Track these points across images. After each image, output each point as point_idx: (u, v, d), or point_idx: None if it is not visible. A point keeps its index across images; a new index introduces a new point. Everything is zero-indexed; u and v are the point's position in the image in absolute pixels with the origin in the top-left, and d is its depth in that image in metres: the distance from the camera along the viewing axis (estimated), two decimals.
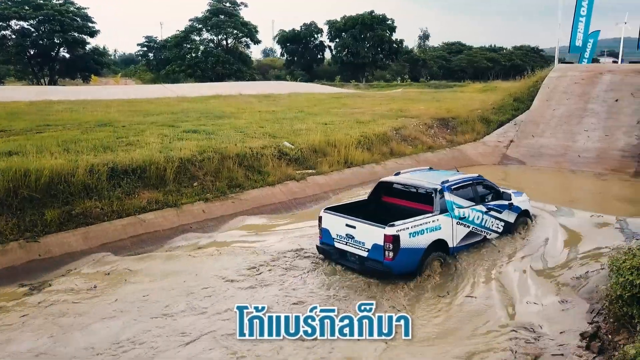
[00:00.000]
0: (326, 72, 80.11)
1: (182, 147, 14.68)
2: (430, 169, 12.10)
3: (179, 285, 8.99)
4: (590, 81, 25.33)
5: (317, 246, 9.77)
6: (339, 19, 77.76)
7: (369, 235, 8.65)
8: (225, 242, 11.24)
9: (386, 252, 8.40)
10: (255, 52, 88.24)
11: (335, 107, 28.47)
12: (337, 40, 77.97)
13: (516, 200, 11.08)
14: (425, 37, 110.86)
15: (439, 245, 9.16)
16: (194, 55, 63.40)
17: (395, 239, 8.33)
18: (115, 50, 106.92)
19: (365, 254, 8.74)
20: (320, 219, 9.54)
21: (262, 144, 16.24)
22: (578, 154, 20.76)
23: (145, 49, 73.01)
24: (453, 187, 9.75)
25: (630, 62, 27.85)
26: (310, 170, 16.04)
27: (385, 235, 8.37)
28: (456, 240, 9.52)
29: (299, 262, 9.81)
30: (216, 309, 8.10)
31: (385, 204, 10.53)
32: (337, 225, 9.15)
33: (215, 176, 14.11)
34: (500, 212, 10.58)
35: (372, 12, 75.66)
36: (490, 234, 10.47)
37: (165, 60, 64.87)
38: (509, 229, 10.85)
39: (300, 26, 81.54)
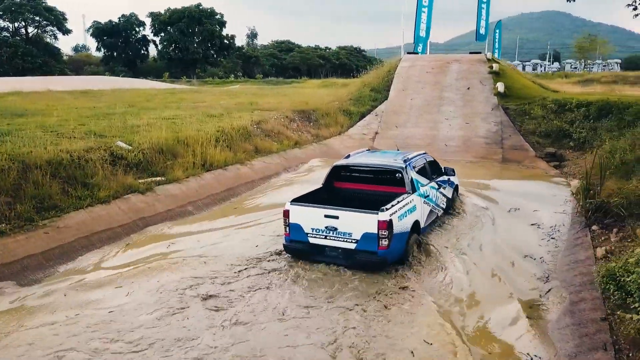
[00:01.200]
0: (152, 68, 73.24)
1: None
2: (369, 150, 11.19)
3: None
4: (441, 70, 25.24)
5: (284, 245, 8.27)
6: (163, 12, 71.58)
7: (357, 224, 7.56)
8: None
9: (381, 241, 7.40)
10: (64, 48, 76.75)
11: (173, 102, 24.27)
12: (163, 34, 71.79)
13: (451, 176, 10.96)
14: (253, 35, 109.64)
15: (415, 226, 8.42)
16: None
17: (389, 225, 7.39)
18: None
19: (352, 246, 7.63)
20: (286, 213, 8.04)
21: (85, 145, 11.74)
22: (444, 142, 19.99)
23: None
24: (414, 165, 9.23)
25: (470, 53, 28.72)
26: (158, 178, 12.05)
27: (379, 222, 7.37)
28: (424, 219, 8.91)
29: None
30: None
31: (342, 190, 9.49)
32: (311, 217, 7.85)
33: (14, 196, 9.39)
34: (445, 188, 10.33)
35: (200, 5, 71.14)
36: (440, 212, 10.03)
37: None
38: (449, 206, 10.66)
39: (119, 17, 73.40)
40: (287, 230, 8.06)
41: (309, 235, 7.88)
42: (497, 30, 40.39)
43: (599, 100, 19.99)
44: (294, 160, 16.60)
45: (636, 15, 20.18)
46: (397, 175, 8.87)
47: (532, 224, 10.72)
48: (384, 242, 7.38)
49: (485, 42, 29.19)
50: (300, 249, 8.04)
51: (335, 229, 7.66)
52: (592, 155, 16.64)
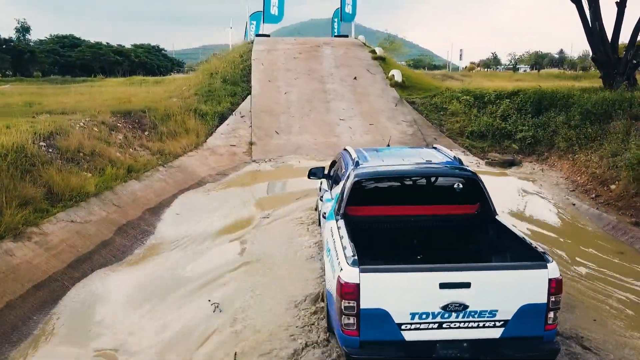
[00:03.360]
0: None
1: None
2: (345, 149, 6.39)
3: None
4: (312, 55, 19.22)
5: (348, 354, 3.83)
6: None
7: (507, 290, 3.80)
8: None
9: (550, 314, 3.83)
10: None
11: None
12: None
13: None
14: (24, 29, 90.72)
15: None
16: None
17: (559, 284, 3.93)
18: None
19: (497, 333, 3.84)
20: (353, 290, 3.68)
21: None
22: None
23: None
24: None
25: (335, 36, 23.42)
26: None
27: (550, 282, 3.79)
28: None
29: None
30: None
31: (362, 221, 5.11)
32: (411, 292, 3.77)
33: None
34: None
35: None
36: None
37: None
38: None
39: None
40: (354, 323, 3.70)
41: (403, 327, 3.73)
42: (336, 20, 36.49)
43: (522, 90, 16.06)
44: (133, 207, 8.61)
45: None
46: (457, 185, 5.27)
47: None
48: (553, 316, 3.82)
49: (352, 24, 24.12)
50: (386, 356, 3.78)
51: (465, 307, 3.71)
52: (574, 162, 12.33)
